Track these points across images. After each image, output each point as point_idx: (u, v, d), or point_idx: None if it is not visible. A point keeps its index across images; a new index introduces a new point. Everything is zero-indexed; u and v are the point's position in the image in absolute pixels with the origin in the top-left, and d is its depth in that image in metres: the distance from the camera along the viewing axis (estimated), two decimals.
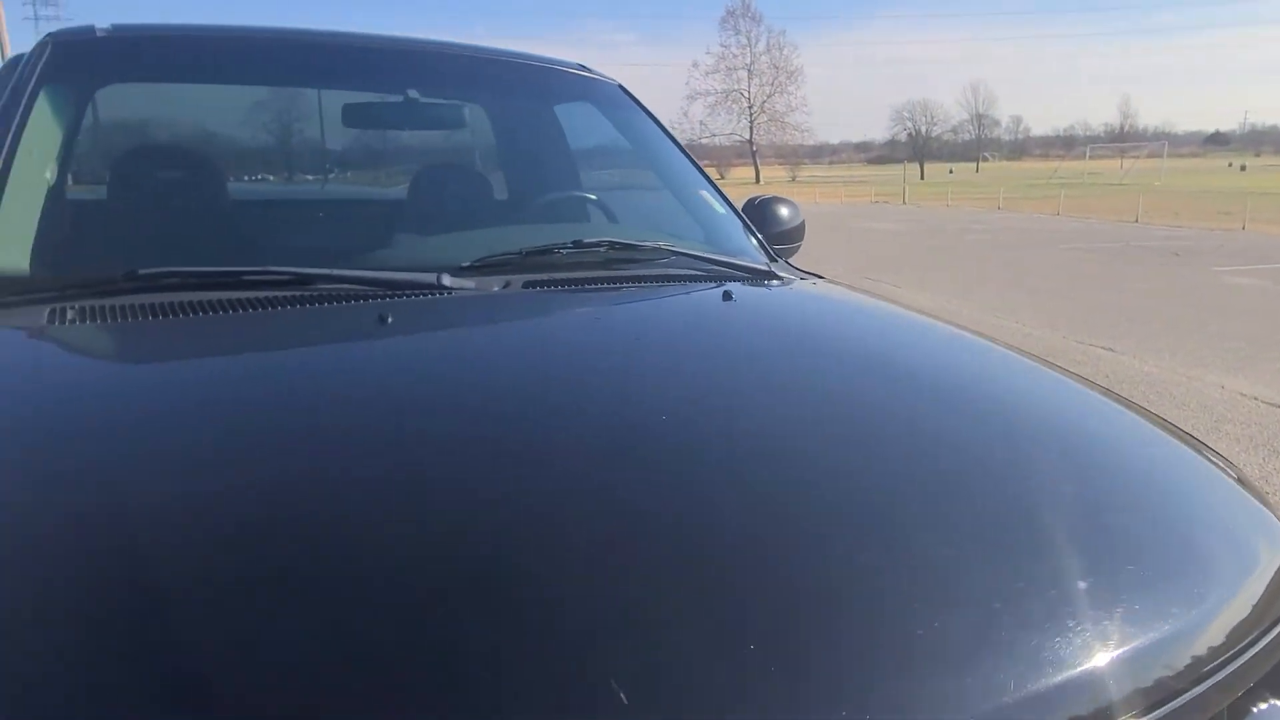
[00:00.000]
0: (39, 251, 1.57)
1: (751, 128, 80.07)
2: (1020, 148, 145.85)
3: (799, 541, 0.90)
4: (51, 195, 1.69)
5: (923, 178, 71.12)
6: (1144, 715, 0.80)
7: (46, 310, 1.38)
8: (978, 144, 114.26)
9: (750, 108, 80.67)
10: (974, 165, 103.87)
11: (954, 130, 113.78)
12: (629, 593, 0.78)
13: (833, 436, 1.16)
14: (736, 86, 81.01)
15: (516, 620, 0.73)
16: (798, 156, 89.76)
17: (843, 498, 1.01)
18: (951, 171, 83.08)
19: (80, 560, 0.79)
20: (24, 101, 1.72)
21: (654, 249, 1.82)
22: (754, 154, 78.62)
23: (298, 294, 1.45)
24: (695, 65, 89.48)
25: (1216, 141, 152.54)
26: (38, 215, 1.64)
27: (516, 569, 0.80)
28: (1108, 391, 1.51)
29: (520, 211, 2.17)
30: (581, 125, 2.58)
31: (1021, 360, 1.60)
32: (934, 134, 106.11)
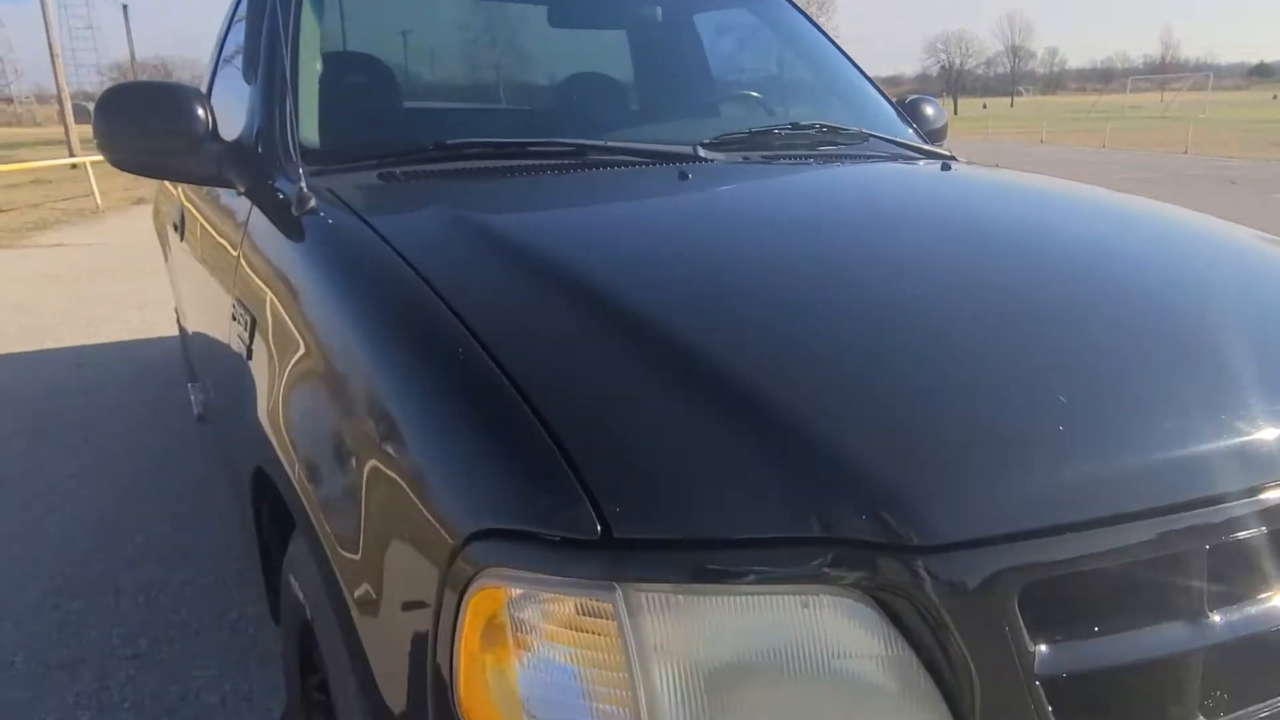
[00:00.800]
0: (334, 128, 1.76)
1: None
2: (1055, 81, 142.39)
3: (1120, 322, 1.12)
4: (330, 80, 1.88)
5: (956, 112, 69.79)
6: None
7: (375, 174, 1.59)
8: (1013, 77, 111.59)
9: None
10: (1008, 100, 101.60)
11: (987, 63, 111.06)
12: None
13: (1109, 262, 1.36)
14: None
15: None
16: None
17: (1138, 293, 1.23)
18: (985, 106, 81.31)
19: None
20: (293, 3, 1.90)
21: (857, 132, 2.00)
22: None
23: (586, 160, 1.64)
24: None
25: (1261, 73, 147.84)
26: (317, 97, 1.83)
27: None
28: None
29: (712, 99, 2.36)
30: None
31: (1204, 216, 1.80)
32: (967, 67, 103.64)
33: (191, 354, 2.76)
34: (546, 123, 1.93)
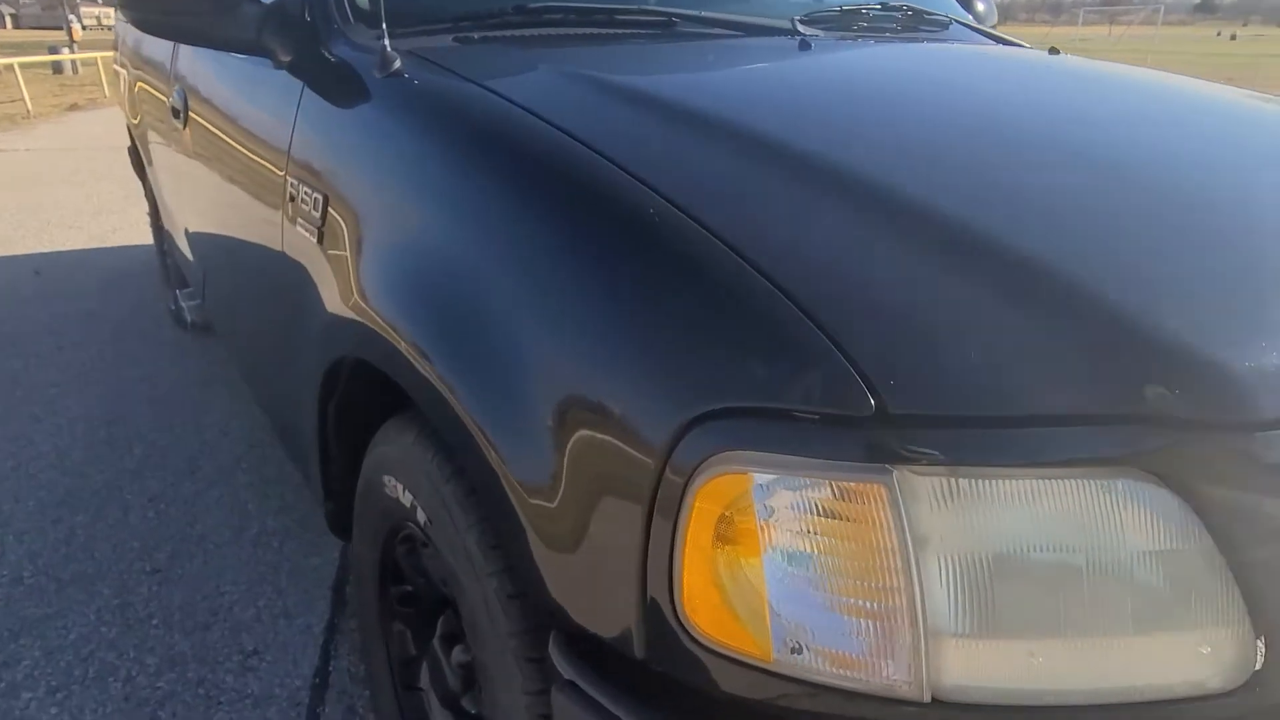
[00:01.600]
0: None
1: None
2: (1005, 12, 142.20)
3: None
4: None
5: None
6: None
7: (449, 38, 1.43)
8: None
9: None
10: None
11: None
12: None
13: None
14: None
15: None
16: None
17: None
18: None
19: None
20: None
21: (943, 18, 1.89)
22: None
23: (678, 30, 1.49)
24: None
25: (1205, 9, 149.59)
26: None
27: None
28: None
29: None
30: None
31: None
32: None
33: (193, 257, 2.54)
34: None
